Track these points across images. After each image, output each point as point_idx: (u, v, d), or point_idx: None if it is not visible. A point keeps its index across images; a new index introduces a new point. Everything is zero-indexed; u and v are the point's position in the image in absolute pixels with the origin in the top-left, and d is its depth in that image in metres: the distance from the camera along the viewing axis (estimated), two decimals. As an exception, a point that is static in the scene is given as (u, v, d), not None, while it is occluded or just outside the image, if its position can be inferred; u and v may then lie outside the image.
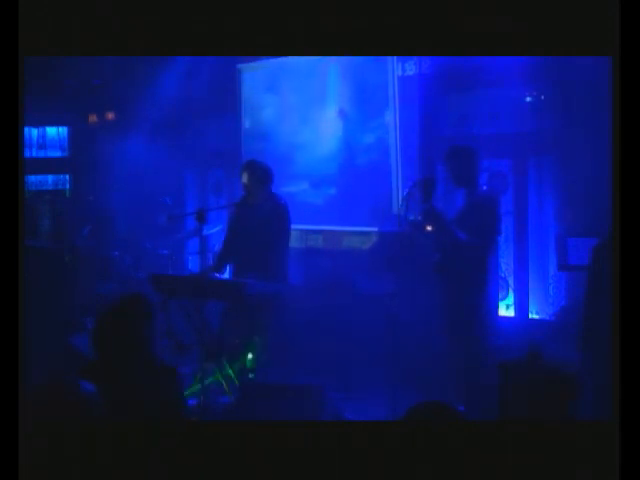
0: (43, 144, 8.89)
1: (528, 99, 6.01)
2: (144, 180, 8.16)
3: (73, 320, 6.50)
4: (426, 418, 2.40)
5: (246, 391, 4.83)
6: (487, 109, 6.23)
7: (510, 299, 6.22)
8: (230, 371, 5.51)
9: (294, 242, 6.06)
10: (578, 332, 4.57)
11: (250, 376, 5.46)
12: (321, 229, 7.27)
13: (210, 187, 8.51)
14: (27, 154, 8.51)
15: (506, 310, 6.22)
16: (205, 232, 6.31)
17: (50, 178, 8.99)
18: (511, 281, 6.22)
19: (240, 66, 7.86)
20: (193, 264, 7.97)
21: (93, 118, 8.93)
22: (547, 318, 6.00)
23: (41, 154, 8.87)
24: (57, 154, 8.96)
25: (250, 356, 5.47)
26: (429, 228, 5.24)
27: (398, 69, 6.60)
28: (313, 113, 7.27)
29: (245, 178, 5.78)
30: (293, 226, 5.93)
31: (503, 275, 6.20)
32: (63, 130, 8.97)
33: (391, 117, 6.67)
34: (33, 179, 8.82)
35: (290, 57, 6.86)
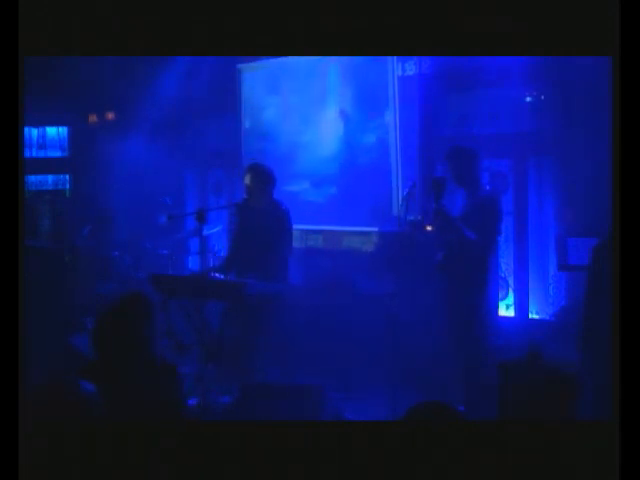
0: (43, 144, 8.89)
1: (528, 99, 6.01)
2: (144, 180, 8.17)
3: (73, 320, 6.50)
4: (426, 418, 2.40)
5: (246, 391, 4.83)
6: (487, 109, 6.24)
7: (510, 299, 6.22)
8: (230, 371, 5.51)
9: (294, 242, 6.06)
10: (578, 332, 4.57)
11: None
12: (321, 229, 7.28)
13: (210, 187, 8.52)
14: (27, 154, 8.51)
15: (506, 310, 6.22)
16: (205, 232, 6.31)
17: (50, 178, 8.99)
18: (511, 281, 6.22)
19: (240, 66, 7.86)
20: (193, 264, 7.97)
21: (93, 118, 8.94)
22: (547, 318, 6.00)
23: (41, 154, 8.87)
24: (57, 154, 8.97)
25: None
26: (429, 228, 5.24)
27: (398, 69, 6.60)
28: (313, 113, 7.28)
29: (248, 180, 5.79)
30: (293, 226, 5.93)
31: (503, 275, 6.20)
32: (63, 130, 8.97)
33: (391, 117, 6.67)
34: (33, 179, 8.82)
35: (290, 57, 6.87)
